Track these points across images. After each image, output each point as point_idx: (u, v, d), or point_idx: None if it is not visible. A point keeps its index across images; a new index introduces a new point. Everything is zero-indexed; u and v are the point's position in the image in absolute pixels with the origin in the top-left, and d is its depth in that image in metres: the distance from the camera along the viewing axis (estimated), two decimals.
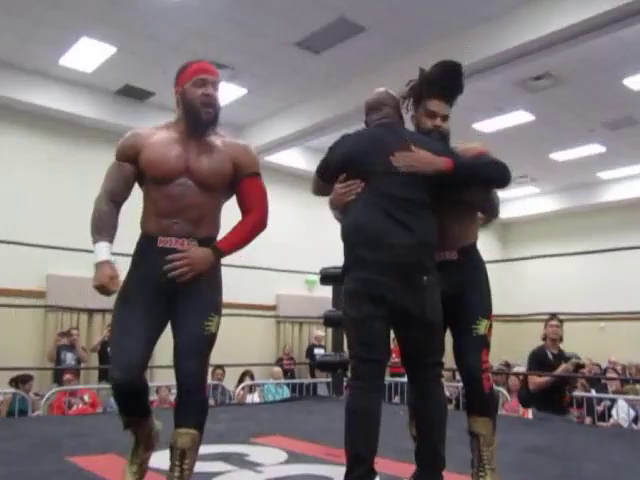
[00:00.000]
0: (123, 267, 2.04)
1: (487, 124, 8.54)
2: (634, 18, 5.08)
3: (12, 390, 5.32)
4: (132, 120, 7.26)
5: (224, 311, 2.08)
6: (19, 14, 6.00)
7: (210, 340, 2.00)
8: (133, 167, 2.05)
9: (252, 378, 7.19)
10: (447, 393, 5.70)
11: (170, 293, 1.98)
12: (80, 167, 7.61)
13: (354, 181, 2.12)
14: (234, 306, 6.79)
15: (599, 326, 10.40)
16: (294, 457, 2.87)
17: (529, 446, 3.25)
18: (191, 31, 6.25)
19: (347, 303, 2.08)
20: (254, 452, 2.95)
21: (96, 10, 5.90)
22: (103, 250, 1.98)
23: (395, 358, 3.83)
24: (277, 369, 7.36)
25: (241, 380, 7.05)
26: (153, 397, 6.16)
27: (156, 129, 2.10)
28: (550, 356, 4.60)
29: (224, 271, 2.12)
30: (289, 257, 8.09)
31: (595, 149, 9.51)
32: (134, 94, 7.91)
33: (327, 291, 5.62)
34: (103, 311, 7.45)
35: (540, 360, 4.61)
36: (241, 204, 2.14)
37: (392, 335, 2.14)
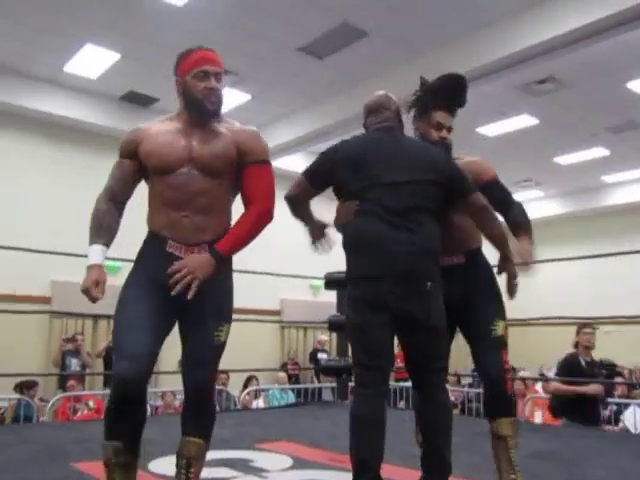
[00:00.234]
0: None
1: (491, 128, 8.54)
2: (637, 22, 5.08)
3: (17, 396, 5.32)
4: (136, 126, 7.27)
5: None
6: (24, 21, 6.05)
7: (220, 349, 1.94)
8: (134, 163, 1.99)
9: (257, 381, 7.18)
10: (452, 398, 5.68)
11: (179, 295, 1.87)
12: (85, 173, 7.64)
13: (354, 202, 2.08)
14: (239, 311, 6.74)
15: (604, 330, 10.34)
16: (299, 463, 2.85)
17: (534, 451, 3.21)
18: (195, 37, 6.18)
19: (351, 310, 2.08)
20: (259, 458, 2.93)
21: (100, 17, 5.95)
22: (94, 253, 1.91)
23: (400, 363, 3.82)
24: (282, 374, 7.35)
25: (246, 385, 7.05)
26: (158, 402, 6.17)
27: (159, 121, 2.05)
28: (583, 363, 4.58)
29: None
30: (293, 262, 8.08)
31: (599, 152, 9.49)
32: (138, 100, 7.96)
33: (331, 296, 5.60)
34: (108, 316, 7.42)
35: (573, 367, 4.59)
36: (244, 194, 1.98)
37: (396, 341, 2.13)
